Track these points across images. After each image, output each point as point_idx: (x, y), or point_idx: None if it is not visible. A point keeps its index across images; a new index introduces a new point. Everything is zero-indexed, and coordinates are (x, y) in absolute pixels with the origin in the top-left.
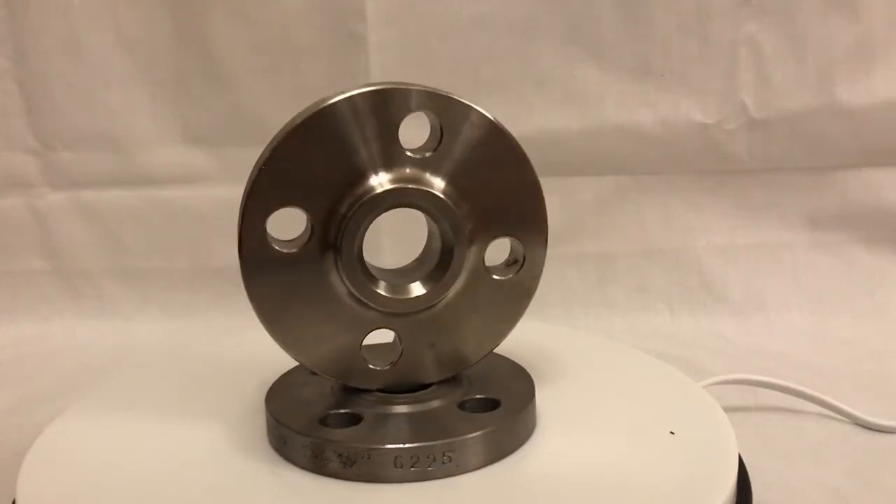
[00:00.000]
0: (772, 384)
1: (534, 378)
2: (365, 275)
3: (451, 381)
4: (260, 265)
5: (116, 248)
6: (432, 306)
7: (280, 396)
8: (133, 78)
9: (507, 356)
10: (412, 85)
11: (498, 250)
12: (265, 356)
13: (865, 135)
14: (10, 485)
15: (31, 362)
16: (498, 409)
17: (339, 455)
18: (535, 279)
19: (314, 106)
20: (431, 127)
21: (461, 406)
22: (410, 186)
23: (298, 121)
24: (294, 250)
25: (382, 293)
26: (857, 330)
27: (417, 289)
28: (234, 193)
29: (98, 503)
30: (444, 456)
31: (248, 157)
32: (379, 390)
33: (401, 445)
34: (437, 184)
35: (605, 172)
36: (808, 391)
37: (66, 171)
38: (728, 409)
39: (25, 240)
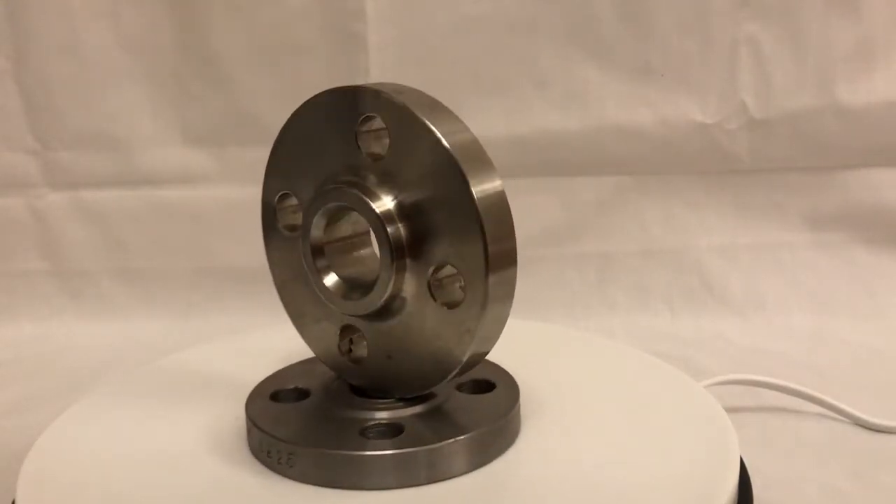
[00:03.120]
0: (772, 384)
1: (532, 378)
2: (316, 265)
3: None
4: (272, 239)
5: (116, 248)
6: (384, 319)
7: (285, 373)
8: (133, 78)
9: (506, 358)
10: (369, 86)
11: None
12: (270, 355)
13: (865, 135)
14: (10, 485)
15: (31, 362)
16: (399, 435)
17: (246, 423)
18: (476, 319)
19: None
20: None
21: (363, 432)
22: (343, 189)
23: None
24: (293, 230)
25: (325, 285)
26: (857, 330)
27: (352, 293)
28: (234, 193)
29: (98, 503)
30: (288, 457)
31: (248, 157)
32: (360, 389)
33: (262, 433)
34: (377, 191)
35: (605, 172)
36: (808, 391)
37: (66, 171)
38: (728, 409)
39: (25, 240)
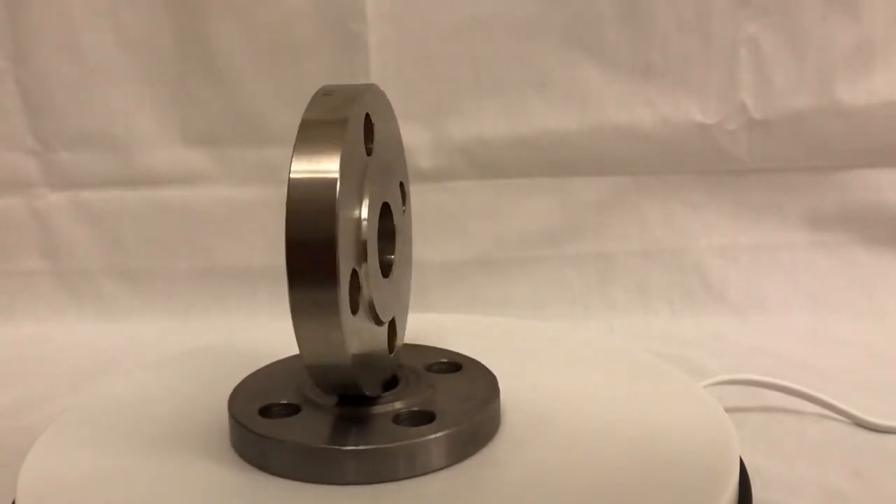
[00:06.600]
0: (772, 384)
1: (530, 376)
2: None
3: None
4: None
5: (116, 248)
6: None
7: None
8: (133, 78)
9: (503, 357)
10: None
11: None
12: (268, 355)
13: (865, 135)
14: (10, 485)
15: (31, 362)
16: (292, 415)
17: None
18: None
19: None
20: None
21: (262, 412)
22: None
23: None
24: None
25: None
26: (857, 330)
27: None
28: (234, 193)
29: (97, 502)
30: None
31: (248, 157)
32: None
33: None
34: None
35: (605, 172)
36: (808, 391)
37: (66, 171)
38: (728, 410)
39: (25, 240)
